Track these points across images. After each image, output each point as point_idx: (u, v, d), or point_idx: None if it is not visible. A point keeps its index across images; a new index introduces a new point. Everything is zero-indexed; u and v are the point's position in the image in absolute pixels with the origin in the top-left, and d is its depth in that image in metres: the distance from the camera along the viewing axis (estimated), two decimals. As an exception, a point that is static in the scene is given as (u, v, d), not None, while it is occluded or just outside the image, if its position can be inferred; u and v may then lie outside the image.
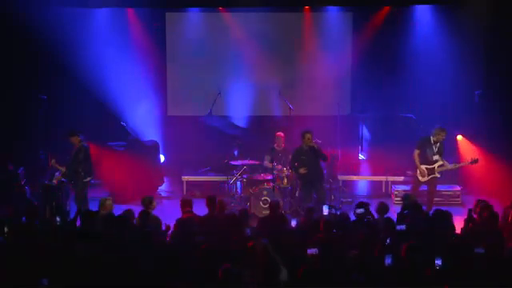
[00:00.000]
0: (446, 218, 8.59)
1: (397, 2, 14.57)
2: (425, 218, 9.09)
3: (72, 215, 9.78)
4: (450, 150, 12.80)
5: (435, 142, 11.58)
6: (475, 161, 11.60)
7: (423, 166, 11.60)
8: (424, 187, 11.82)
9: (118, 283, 6.80)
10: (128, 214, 8.82)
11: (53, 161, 11.47)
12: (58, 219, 9.07)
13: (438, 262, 7.11)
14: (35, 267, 7.16)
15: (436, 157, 11.56)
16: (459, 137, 13.77)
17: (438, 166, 11.57)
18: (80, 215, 9.11)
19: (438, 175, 11.63)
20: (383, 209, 9.19)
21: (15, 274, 7.02)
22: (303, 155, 11.52)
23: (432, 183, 11.67)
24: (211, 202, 9.43)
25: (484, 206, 8.96)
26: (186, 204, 9.40)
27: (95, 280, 6.88)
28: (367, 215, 9.06)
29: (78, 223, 9.09)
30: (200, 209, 9.69)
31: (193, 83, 15.25)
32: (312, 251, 7.30)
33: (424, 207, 9.46)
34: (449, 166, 11.65)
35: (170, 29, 15.25)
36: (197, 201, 10.42)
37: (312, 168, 11.50)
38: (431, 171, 11.57)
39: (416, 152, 11.64)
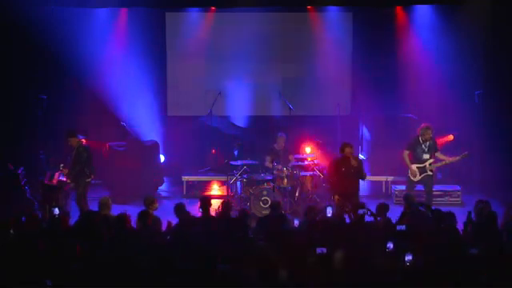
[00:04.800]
0: (447, 219, 8.58)
1: (397, 2, 14.57)
2: (426, 217, 9.10)
3: (72, 215, 9.77)
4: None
5: (424, 141, 11.61)
6: (465, 155, 11.61)
7: (414, 166, 11.62)
8: (420, 187, 11.82)
9: (118, 283, 6.80)
10: (122, 216, 8.74)
11: (61, 165, 11.48)
12: (56, 211, 9.10)
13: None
14: (37, 267, 7.16)
15: (426, 155, 11.59)
16: (450, 136, 13.76)
17: (430, 164, 11.60)
18: (81, 215, 9.11)
19: (430, 173, 11.63)
20: (383, 209, 9.18)
21: (18, 274, 7.02)
22: (344, 167, 10.84)
23: (427, 182, 11.67)
24: (205, 203, 9.40)
25: (483, 207, 8.96)
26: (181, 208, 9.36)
27: (95, 280, 6.88)
28: (369, 216, 9.05)
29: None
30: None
31: (193, 83, 15.24)
32: (321, 250, 7.29)
33: (422, 207, 9.44)
34: (439, 163, 11.67)
35: (169, 29, 15.24)
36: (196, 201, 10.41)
37: (349, 182, 10.87)
38: (423, 170, 11.60)
39: (405, 152, 11.69)
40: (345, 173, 10.82)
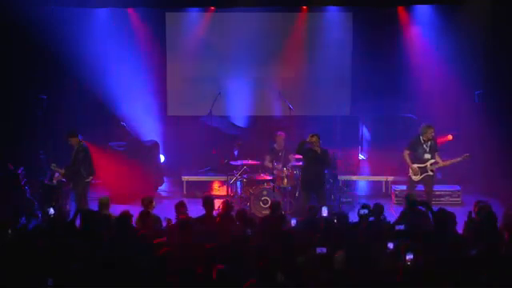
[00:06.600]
0: (448, 218, 8.59)
1: (397, 2, 14.57)
2: (426, 217, 9.11)
3: (72, 215, 9.77)
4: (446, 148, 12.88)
5: (425, 141, 11.59)
6: (467, 156, 11.60)
7: (415, 165, 11.61)
8: (421, 187, 11.81)
9: (118, 283, 6.80)
10: (125, 215, 8.77)
11: (53, 165, 11.51)
12: (51, 211, 9.13)
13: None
14: (36, 267, 7.16)
15: (428, 155, 11.58)
16: (449, 136, 13.75)
17: (431, 164, 11.58)
18: (80, 215, 9.11)
19: (431, 173, 11.62)
20: (379, 210, 9.19)
21: (17, 274, 7.01)
22: (311, 154, 11.41)
23: (427, 182, 11.66)
24: (208, 202, 9.42)
25: (482, 207, 8.97)
26: (181, 206, 9.41)
27: (95, 280, 6.88)
28: (371, 216, 9.05)
29: (78, 223, 9.10)
30: (201, 209, 9.67)
31: (193, 83, 15.24)
32: (321, 250, 7.30)
33: (422, 207, 9.44)
34: (441, 163, 11.65)
35: (170, 29, 15.24)
36: (197, 201, 10.42)
37: (312, 170, 11.43)
38: (423, 170, 11.59)
39: (405, 152, 11.69)
40: (311, 159, 11.37)
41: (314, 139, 11.30)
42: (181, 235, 8.19)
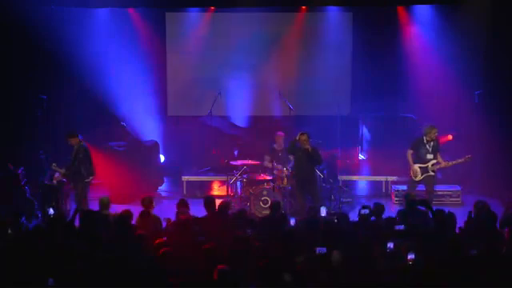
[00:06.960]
0: (448, 219, 8.59)
1: (397, 2, 14.57)
2: (425, 217, 9.11)
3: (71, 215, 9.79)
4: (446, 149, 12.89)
5: (428, 141, 11.59)
6: (469, 158, 11.59)
7: (416, 166, 11.61)
8: (421, 187, 11.81)
9: (118, 283, 6.80)
10: (126, 214, 8.80)
11: (53, 165, 11.52)
12: (51, 211, 9.14)
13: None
14: (38, 268, 7.17)
15: (430, 155, 11.58)
16: (449, 136, 13.75)
17: (432, 165, 11.58)
18: (80, 215, 9.12)
19: (432, 173, 11.61)
20: (379, 209, 9.19)
21: (19, 274, 7.02)
22: (301, 152, 11.44)
23: (428, 182, 11.66)
24: (209, 203, 9.43)
25: (482, 207, 8.97)
26: (182, 205, 9.43)
27: (95, 280, 6.88)
28: (371, 216, 9.05)
29: (77, 222, 9.11)
30: (200, 209, 9.68)
31: (193, 83, 15.25)
32: (321, 250, 7.30)
33: (421, 207, 9.44)
34: (443, 164, 11.64)
35: (170, 29, 15.25)
36: (197, 201, 10.43)
37: (304, 168, 11.45)
38: (425, 170, 11.58)
39: (409, 152, 11.69)
40: (301, 157, 11.36)
41: (304, 138, 11.31)
42: (181, 235, 8.19)
